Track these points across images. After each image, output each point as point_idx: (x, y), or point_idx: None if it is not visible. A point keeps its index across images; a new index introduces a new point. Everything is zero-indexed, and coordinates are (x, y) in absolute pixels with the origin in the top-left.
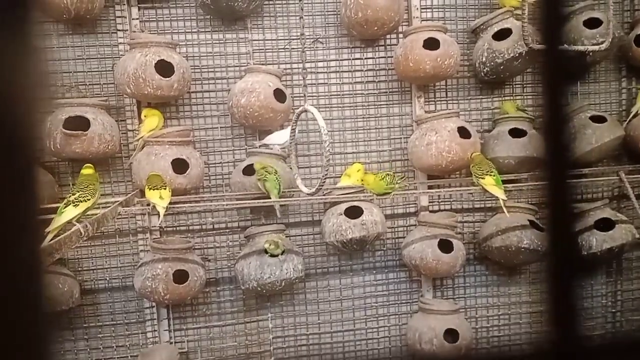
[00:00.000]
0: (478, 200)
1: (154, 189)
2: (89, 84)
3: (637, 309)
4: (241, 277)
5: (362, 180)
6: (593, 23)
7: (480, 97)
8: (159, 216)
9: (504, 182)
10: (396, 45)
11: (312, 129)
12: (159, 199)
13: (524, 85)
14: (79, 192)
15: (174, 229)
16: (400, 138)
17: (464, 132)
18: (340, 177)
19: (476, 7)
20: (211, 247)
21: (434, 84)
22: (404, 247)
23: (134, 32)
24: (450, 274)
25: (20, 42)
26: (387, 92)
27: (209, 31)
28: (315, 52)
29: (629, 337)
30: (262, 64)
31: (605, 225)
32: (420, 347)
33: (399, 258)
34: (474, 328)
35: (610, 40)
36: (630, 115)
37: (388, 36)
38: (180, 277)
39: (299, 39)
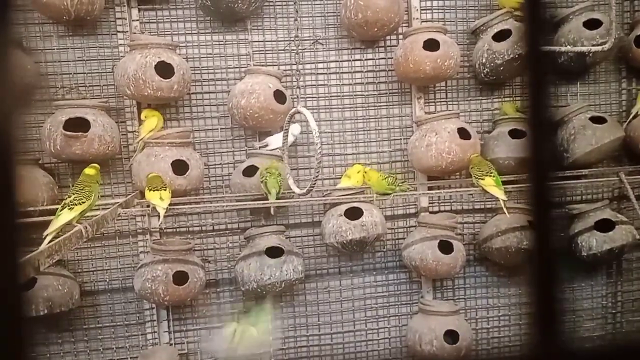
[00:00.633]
0: (478, 201)
1: (154, 190)
2: (89, 86)
3: (638, 310)
4: (241, 278)
5: (364, 175)
6: (593, 24)
7: (480, 98)
8: (159, 217)
9: (504, 183)
10: (396, 46)
11: (311, 129)
12: (159, 200)
13: (524, 86)
14: (74, 194)
15: (174, 230)
16: (400, 139)
17: (464, 133)
18: (340, 178)
19: (476, 8)
20: (211, 249)
21: (434, 85)
22: (404, 248)
23: (134, 33)
24: (450, 275)
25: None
26: (387, 93)
27: (209, 32)
28: (315, 54)
29: (615, 340)
30: (262, 66)
31: (605, 226)
32: (420, 348)
33: (399, 259)
34: (474, 329)
35: (611, 41)
36: (630, 116)
37: (388, 37)
38: (180, 278)
39: (295, 40)
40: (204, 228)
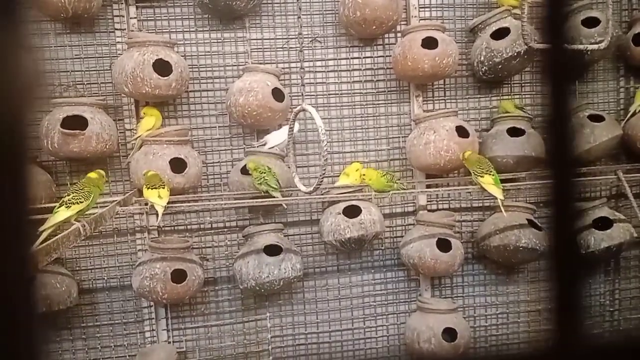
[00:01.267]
0: (476, 200)
1: (152, 188)
2: (87, 83)
3: (635, 307)
4: (239, 276)
5: (363, 174)
6: (591, 22)
7: (479, 96)
8: (158, 215)
9: (502, 181)
10: (394, 44)
11: (311, 128)
12: (158, 198)
13: (522, 84)
14: (73, 193)
15: (172, 228)
16: (399, 137)
17: (462, 131)
18: (338, 176)
19: (474, 6)
20: (209, 247)
21: (432, 83)
22: (403, 246)
23: (132, 31)
24: (448, 273)
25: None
26: (385, 91)
27: (207, 30)
28: (314, 51)
29: (632, 338)
30: (260, 63)
31: (603, 224)
32: (418, 346)
33: (397, 257)
34: (472, 327)
35: (609, 39)
36: (628, 115)
37: (386, 35)
38: (179, 276)
39: (297, 38)
40: (202, 226)
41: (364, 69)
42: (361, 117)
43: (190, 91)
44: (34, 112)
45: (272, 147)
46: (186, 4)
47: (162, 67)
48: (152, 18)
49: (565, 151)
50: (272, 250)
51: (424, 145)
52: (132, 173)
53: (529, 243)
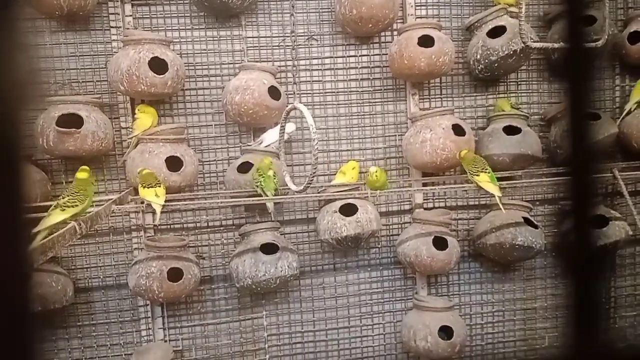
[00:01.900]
0: (472, 198)
1: (148, 187)
2: (82, 81)
3: (631, 305)
4: (236, 274)
5: (376, 172)
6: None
7: (475, 94)
8: (156, 215)
9: (499, 179)
10: (391, 42)
11: (306, 126)
12: (155, 197)
13: (518, 83)
14: (68, 196)
15: (168, 226)
16: (395, 135)
17: (458, 130)
18: (335, 174)
19: (470, 4)
20: (206, 245)
21: (428, 82)
22: (399, 245)
23: (128, 29)
24: (444, 271)
25: (5, 38)
26: (381, 90)
27: (203, 28)
28: (310, 50)
29: None
30: (257, 62)
31: (599, 222)
32: (414, 344)
33: (394, 255)
34: (468, 325)
35: (605, 37)
36: (624, 113)
37: (383, 33)
38: (175, 275)
39: (292, 36)
40: (198, 224)
41: (360, 67)
42: (357, 115)
43: (186, 89)
44: (29, 111)
45: (268, 145)
46: (182, 1)
47: (158, 66)
48: (148, 16)
49: (584, 148)
50: (269, 248)
51: (420, 144)
52: (128, 171)
53: (524, 241)
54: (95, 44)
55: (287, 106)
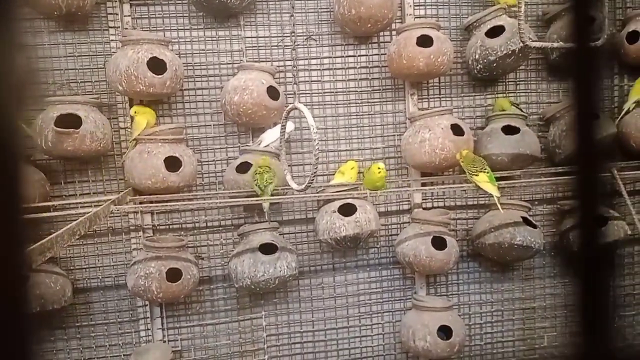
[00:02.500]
0: (471, 198)
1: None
2: (81, 82)
3: (629, 305)
4: (235, 275)
5: (382, 170)
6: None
7: (474, 94)
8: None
9: (497, 179)
10: (389, 42)
11: (306, 126)
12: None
13: (517, 83)
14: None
15: (167, 227)
16: (394, 135)
17: (457, 130)
18: (333, 174)
19: (469, 4)
20: (204, 245)
21: (427, 82)
22: (398, 245)
23: (126, 29)
24: (443, 270)
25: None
26: (380, 90)
27: (201, 28)
28: (309, 50)
29: None
30: (255, 62)
31: (598, 221)
32: (414, 343)
33: (393, 255)
34: (467, 324)
35: (604, 37)
36: (622, 112)
37: (381, 33)
38: (174, 275)
39: (291, 36)
40: (197, 225)
41: (359, 67)
42: (356, 115)
43: (185, 89)
44: (28, 111)
45: (267, 145)
46: (181, 2)
47: (157, 66)
48: (147, 16)
49: (591, 147)
50: (268, 248)
51: (419, 144)
52: (127, 172)
53: (523, 241)
54: (93, 44)
55: (285, 106)
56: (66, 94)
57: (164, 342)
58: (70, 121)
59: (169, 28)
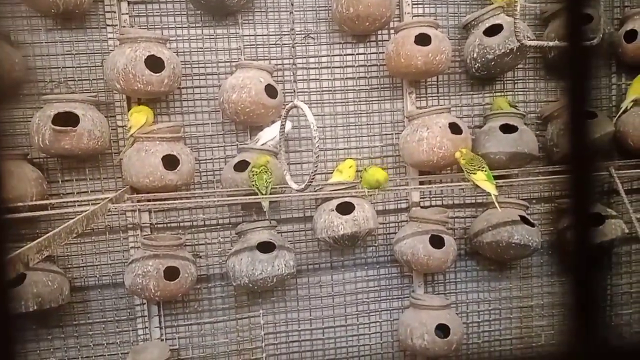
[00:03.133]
0: (469, 196)
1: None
2: (78, 80)
3: (627, 303)
4: (232, 273)
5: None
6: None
7: (472, 93)
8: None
9: (495, 177)
10: (387, 41)
11: (304, 124)
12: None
13: (515, 81)
14: None
15: (165, 225)
16: (392, 134)
17: (455, 128)
18: (331, 173)
19: (467, 2)
20: (202, 244)
21: (425, 80)
22: (396, 243)
23: (124, 27)
24: (441, 269)
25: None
26: (378, 88)
27: (199, 26)
28: (307, 48)
29: None
30: (253, 60)
31: (595, 220)
32: (411, 342)
33: (391, 254)
34: (465, 323)
35: (600, 36)
36: (620, 111)
37: (379, 32)
38: (171, 273)
39: (289, 34)
40: (195, 223)
41: (357, 66)
42: (354, 114)
43: (183, 88)
44: (21, 109)
45: (265, 144)
46: (178, 0)
47: (155, 64)
48: (144, 14)
49: (584, 146)
50: (266, 247)
51: (417, 142)
52: (125, 170)
53: (521, 239)
54: (91, 42)
55: (283, 104)
56: (64, 92)
57: (162, 340)
58: (68, 119)
59: (166, 26)
